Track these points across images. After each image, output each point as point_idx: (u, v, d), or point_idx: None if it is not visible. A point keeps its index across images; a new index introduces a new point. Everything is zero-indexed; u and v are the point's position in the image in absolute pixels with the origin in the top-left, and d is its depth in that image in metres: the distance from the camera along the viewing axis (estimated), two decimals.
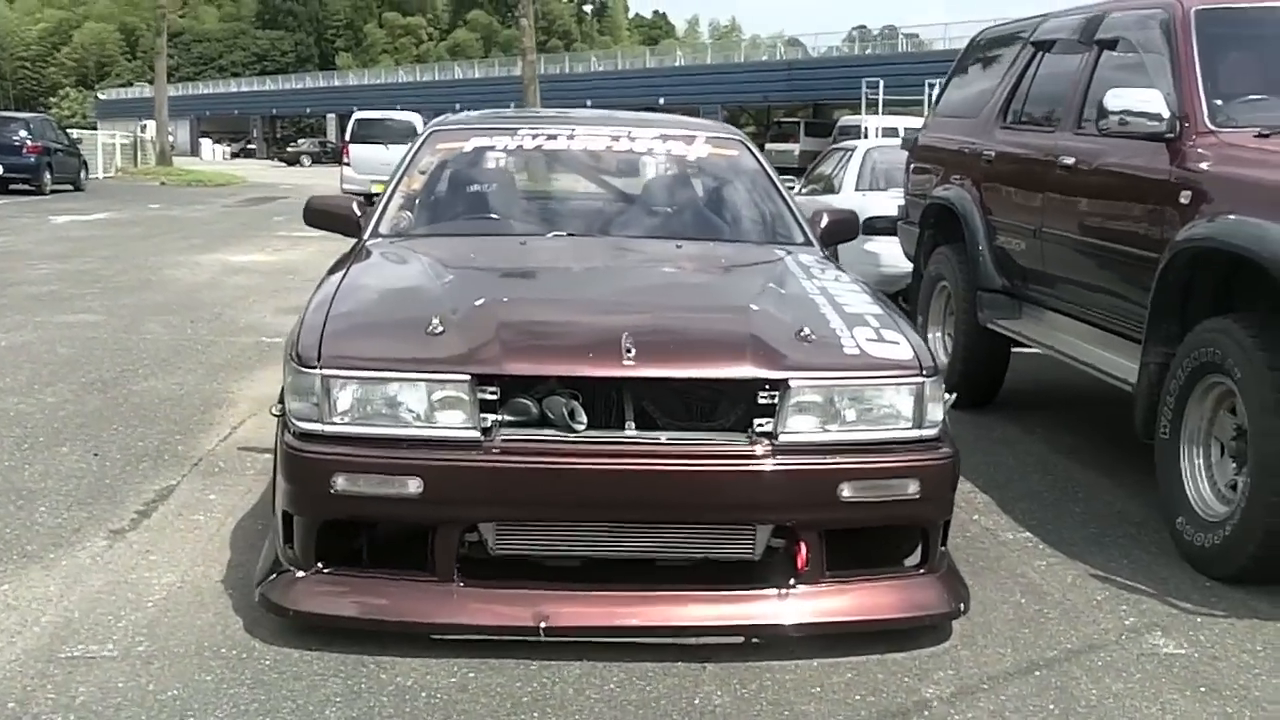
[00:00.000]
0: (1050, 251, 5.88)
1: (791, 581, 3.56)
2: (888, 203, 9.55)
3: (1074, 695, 3.39)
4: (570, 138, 5.34)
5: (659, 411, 3.58)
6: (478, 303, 3.77)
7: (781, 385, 3.51)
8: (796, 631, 3.54)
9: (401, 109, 32.40)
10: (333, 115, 78.32)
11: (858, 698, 3.34)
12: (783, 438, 3.50)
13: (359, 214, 5.00)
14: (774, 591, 3.55)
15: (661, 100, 56.28)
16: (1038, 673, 3.52)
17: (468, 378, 3.46)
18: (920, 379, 3.62)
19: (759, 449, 3.49)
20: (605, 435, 3.49)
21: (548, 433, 3.49)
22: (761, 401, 3.52)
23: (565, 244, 4.77)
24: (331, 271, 4.50)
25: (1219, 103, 4.85)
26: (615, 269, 4.52)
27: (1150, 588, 4.20)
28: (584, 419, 3.50)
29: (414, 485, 3.39)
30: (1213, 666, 3.60)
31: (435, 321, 3.62)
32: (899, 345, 3.74)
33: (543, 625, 3.42)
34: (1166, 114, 4.82)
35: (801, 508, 3.54)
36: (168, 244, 15.56)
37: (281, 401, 3.73)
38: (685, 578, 3.61)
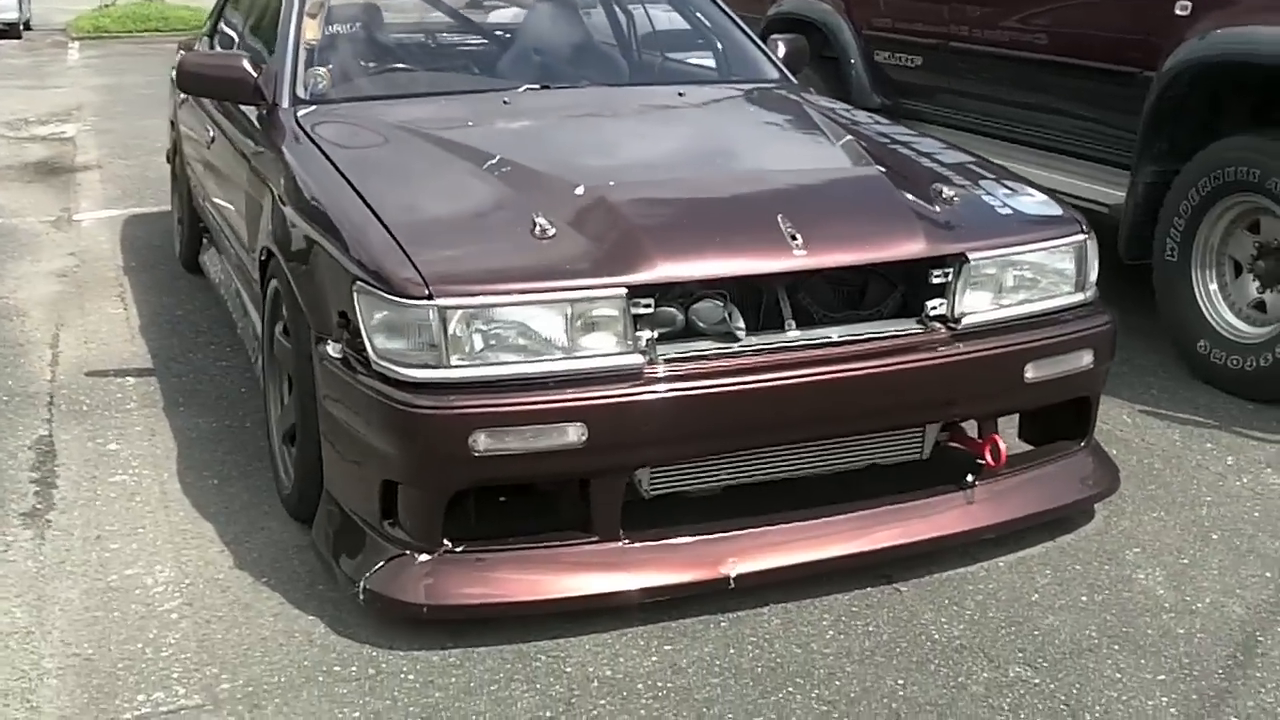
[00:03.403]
0: (962, 67, 5.57)
1: (971, 479, 3.15)
2: None
3: (1275, 559, 3.20)
4: None
5: (815, 304, 3.03)
6: (577, 191, 3.02)
7: (958, 260, 3.03)
8: (993, 533, 3.15)
9: None
10: None
11: (1084, 599, 3.01)
12: (965, 320, 3.04)
13: (256, 74, 3.97)
14: (959, 495, 3.13)
15: None
16: (1214, 535, 3.32)
17: (623, 290, 2.76)
18: (1082, 236, 3.23)
19: (940, 336, 3.02)
20: (771, 340, 2.91)
21: (707, 345, 2.87)
22: (934, 281, 3.03)
23: (564, 100, 3.96)
24: (278, 154, 3.55)
25: None
26: (669, 132, 3.80)
27: (1206, 418, 4.09)
28: (743, 324, 2.90)
29: (575, 433, 2.70)
30: None
31: (541, 221, 2.87)
32: (1041, 199, 3.33)
33: (733, 574, 2.87)
34: None
35: (987, 397, 3.12)
36: None
37: (339, 339, 2.88)
38: (846, 492, 3.11)
